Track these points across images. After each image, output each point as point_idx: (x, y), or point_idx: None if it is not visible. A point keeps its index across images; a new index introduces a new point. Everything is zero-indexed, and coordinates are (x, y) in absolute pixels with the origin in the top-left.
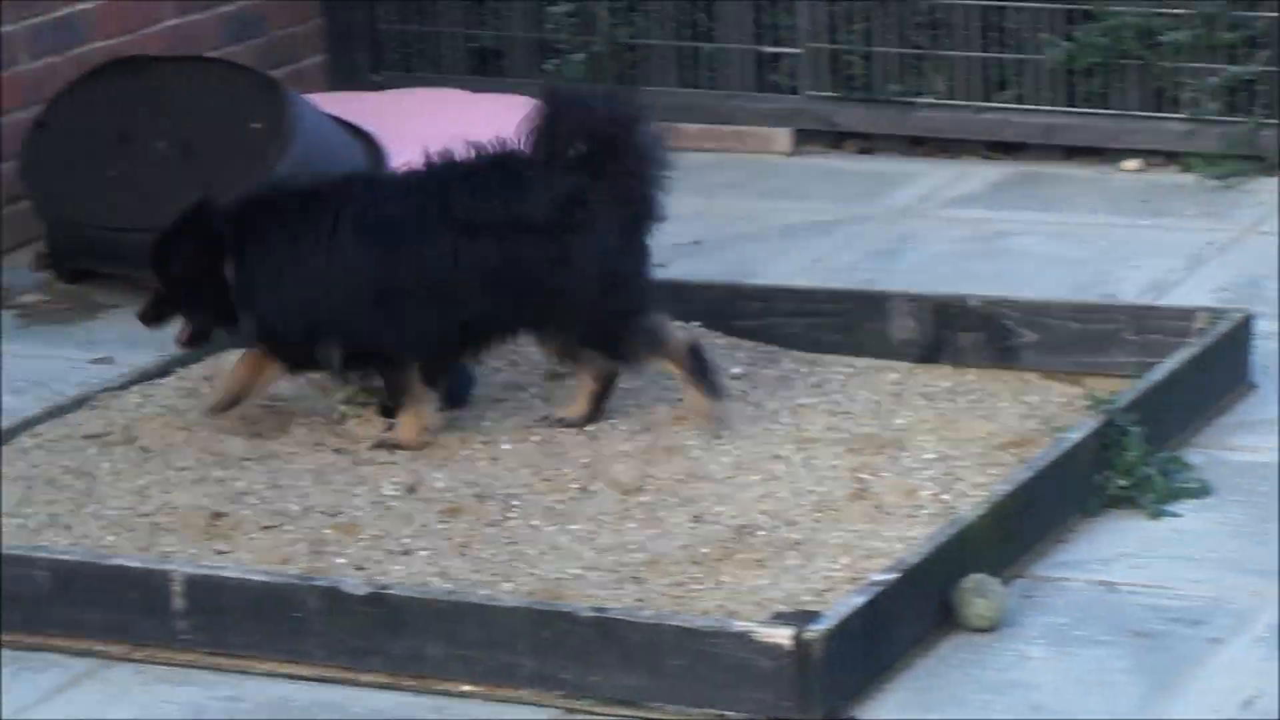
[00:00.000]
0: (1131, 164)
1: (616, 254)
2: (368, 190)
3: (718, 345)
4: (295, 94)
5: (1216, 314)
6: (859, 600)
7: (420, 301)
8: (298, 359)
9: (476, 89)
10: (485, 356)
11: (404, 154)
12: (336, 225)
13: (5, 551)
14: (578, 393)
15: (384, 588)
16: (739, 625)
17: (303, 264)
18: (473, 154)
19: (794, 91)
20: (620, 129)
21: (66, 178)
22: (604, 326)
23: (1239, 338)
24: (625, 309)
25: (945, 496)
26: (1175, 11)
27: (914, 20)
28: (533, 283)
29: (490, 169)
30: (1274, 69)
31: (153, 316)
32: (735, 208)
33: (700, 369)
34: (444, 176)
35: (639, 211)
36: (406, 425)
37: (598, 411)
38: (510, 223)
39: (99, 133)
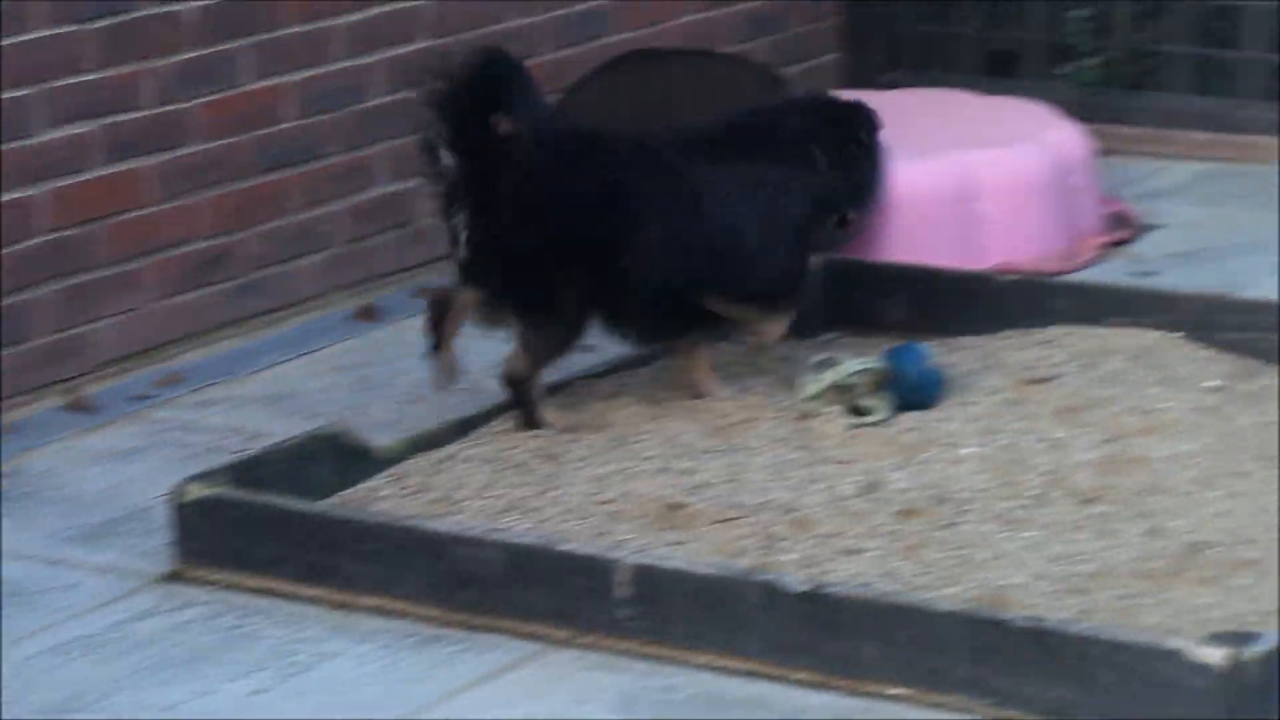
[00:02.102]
0: None
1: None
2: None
3: (1198, 358)
4: (800, 90)
5: None
6: None
7: None
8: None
9: (989, 91)
10: None
11: (904, 153)
12: None
13: (462, 533)
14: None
15: (820, 586)
16: (1171, 643)
17: None
18: None
19: None
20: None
21: None
22: None
23: None
24: None
25: None
26: None
27: None
28: None
29: None
30: None
31: None
32: (1238, 218)
33: None
34: None
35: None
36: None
37: None
38: None
39: (607, 122)
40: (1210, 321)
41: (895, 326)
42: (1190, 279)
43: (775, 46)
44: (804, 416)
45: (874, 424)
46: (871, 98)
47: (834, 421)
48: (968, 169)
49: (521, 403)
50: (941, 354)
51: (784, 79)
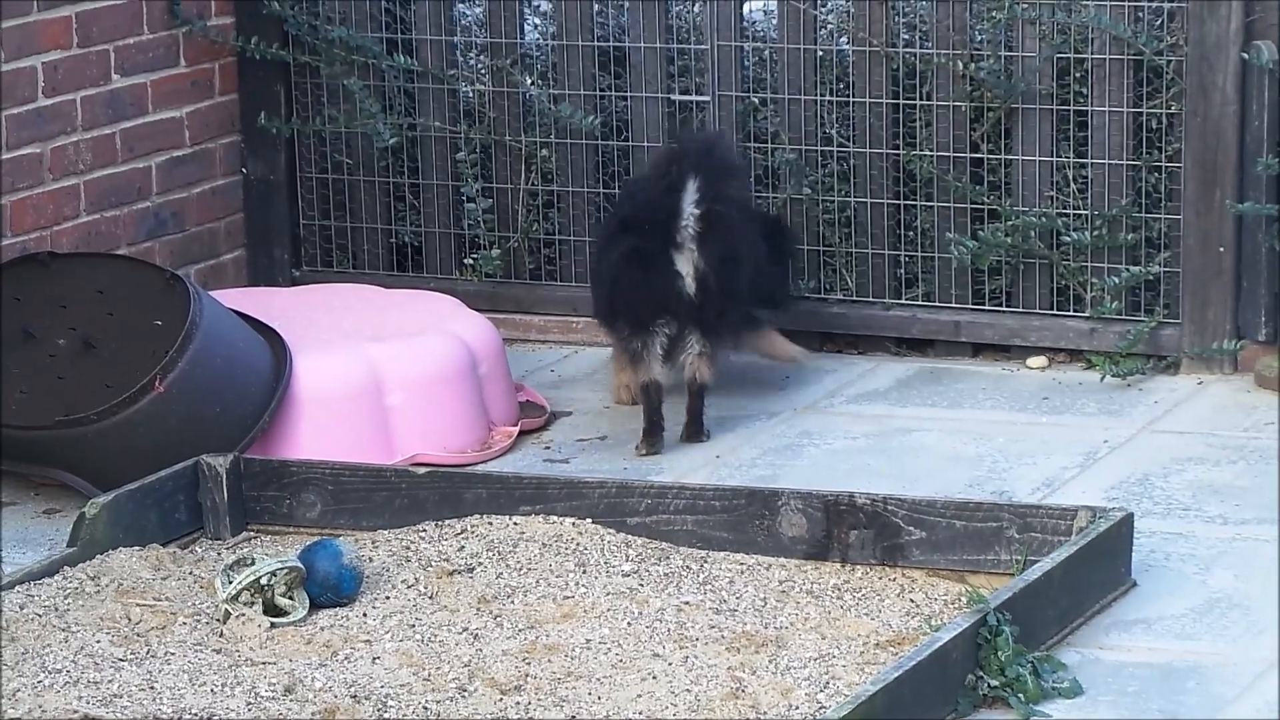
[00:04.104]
0: (1037, 361)
1: None
2: None
3: (609, 543)
4: (199, 290)
5: (1098, 513)
6: None
7: None
8: None
9: (395, 285)
10: None
11: (312, 349)
12: None
13: None
14: None
15: None
16: None
17: None
18: None
19: None
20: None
21: None
22: None
23: (1119, 537)
24: None
25: (820, 696)
26: (1078, 212)
27: (825, 218)
28: None
29: None
30: (1174, 269)
31: None
32: None
33: None
34: None
35: None
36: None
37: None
38: None
39: (2, 330)
40: (620, 506)
41: (310, 524)
42: (600, 465)
43: (179, 245)
44: (221, 619)
45: (292, 623)
46: (276, 295)
47: (252, 622)
48: (376, 362)
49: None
50: (358, 549)
51: (180, 279)
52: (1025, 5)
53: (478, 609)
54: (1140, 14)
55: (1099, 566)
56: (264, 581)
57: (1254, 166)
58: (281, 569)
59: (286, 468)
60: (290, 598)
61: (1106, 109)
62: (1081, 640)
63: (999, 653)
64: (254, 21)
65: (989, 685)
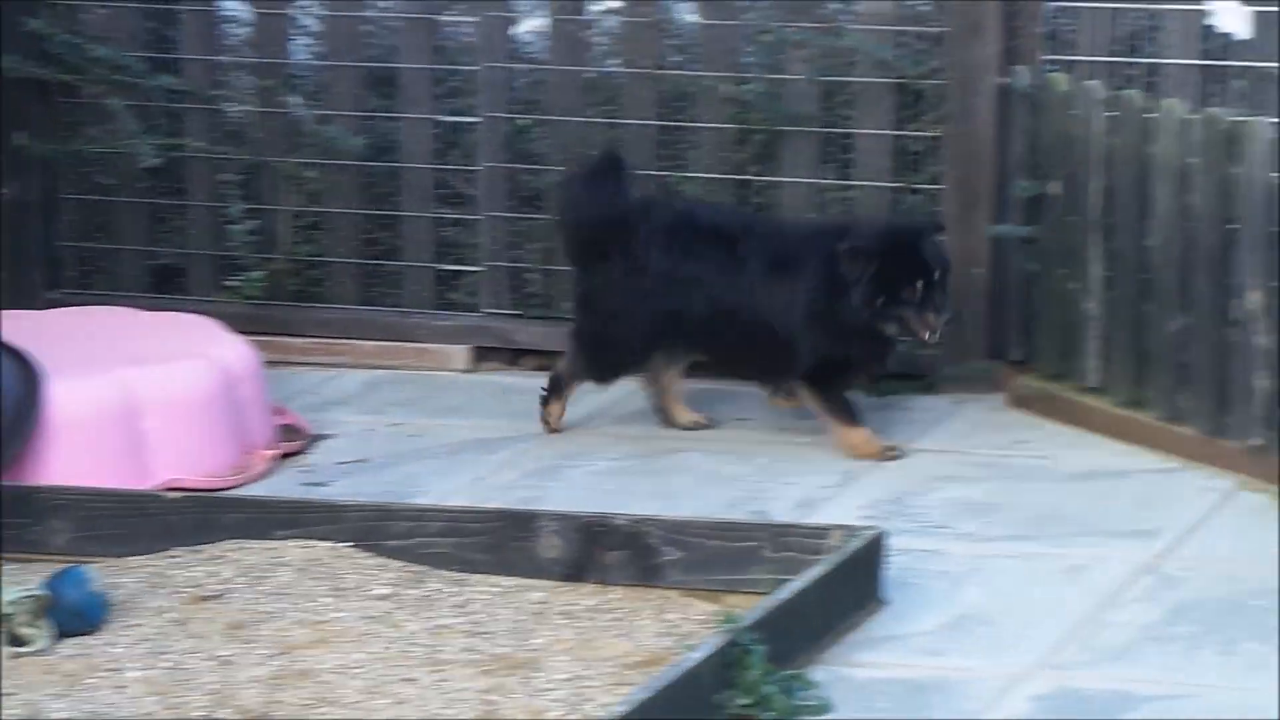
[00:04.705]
0: None
1: None
2: None
3: (366, 566)
4: None
5: (850, 531)
6: None
7: None
8: None
9: (155, 308)
10: None
11: (64, 373)
12: None
13: None
14: None
15: None
16: None
17: None
18: None
19: (473, 309)
20: None
21: None
22: None
23: (871, 555)
24: None
25: (572, 717)
26: None
27: None
28: None
29: None
30: None
31: None
32: (407, 425)
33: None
34: None
35: None
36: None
37: None
38: None
39: None
40: (378, 530)
41: (60, 551)
42: (360, 488)
43: None
44: None
45: (35, 653)
46: (27, 318)
47: (35, 626)
48: (130, 386)
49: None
50: (107, 576)
51: None
52: (792, 28)
53: (228, 635)
54: (904, 38)
55: (851, 585)
56: (5, 610)
57: (1012, 190)
58: (24, 597)
59: (34, 493)
60: (34, 627)
61: (870, 132)
62: (832, 658)
63: (749, 671)
64: (13, 39)
65: (739, 704)
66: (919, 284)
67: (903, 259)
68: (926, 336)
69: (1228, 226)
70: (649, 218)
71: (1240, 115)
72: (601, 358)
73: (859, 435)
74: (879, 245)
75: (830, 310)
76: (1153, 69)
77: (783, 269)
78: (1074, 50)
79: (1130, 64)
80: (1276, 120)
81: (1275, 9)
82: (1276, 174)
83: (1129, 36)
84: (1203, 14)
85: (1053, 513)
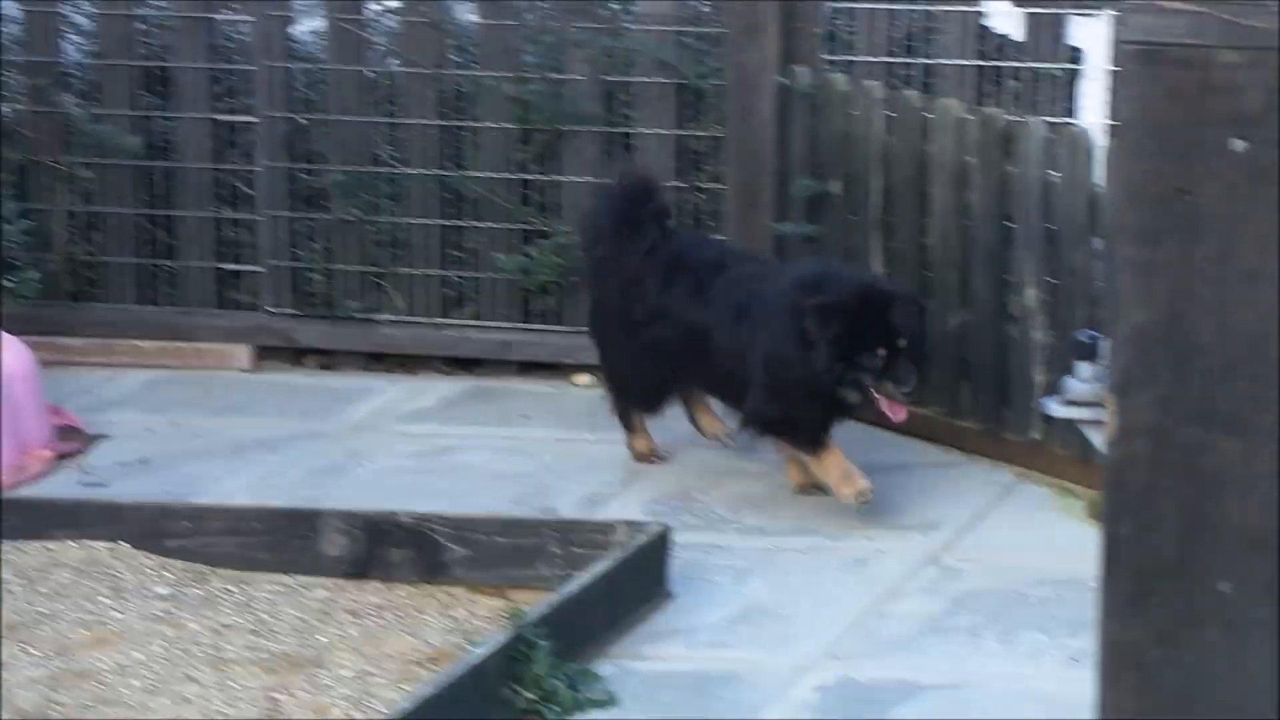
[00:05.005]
0: (582, 379)
1: None
2: None
3: (146, 566)
4: None
5: (635, 526)
6: None
7: None
8: None
9: None
10: None
11: None
12: None
13: None
14: None
15: None
16: None
17: None
18: None
19: (254, 308)
20: None
21: None
22: None
23: (657, 549)
24: None
25: (356, 715)
26: None
27: (374, 238)
28: None
29: None
30: None
31: None
32: (188, 425)
33: None
34: None
35: None
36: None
37: None
38: None
39: None
40: (158, 529)
41: None
42: (140, 488)
43: None
44: None
45: None
46: None
47: None
48: None
49: None
50: None
51: None
52: (572, 29)
53: (4, 638)
54: (684, 39)
55: (637, 579)
56: None
57: (793, 189)
58: None
59: None
60: None
61: (652, 131)
62: (619, 652)
63: (535, 666)
64: None
65: (526, 698)
66: (882, 351)
67: (870, 322)
68: (887, 410)
69: (1005, 224)
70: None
71: (1016, 115)
72: (626, 396)
73: (833, 467)
74: (847, 305)
75: (788, 365)
76: (930, 69)
77: (749, 316)
78: (853, 50)
79: (908, 64)
80: (1050, 120)
81: (1047, 11)
82: (1051, 173)
83: (907, 37)
84: (979, 15)
85: (836, 507)
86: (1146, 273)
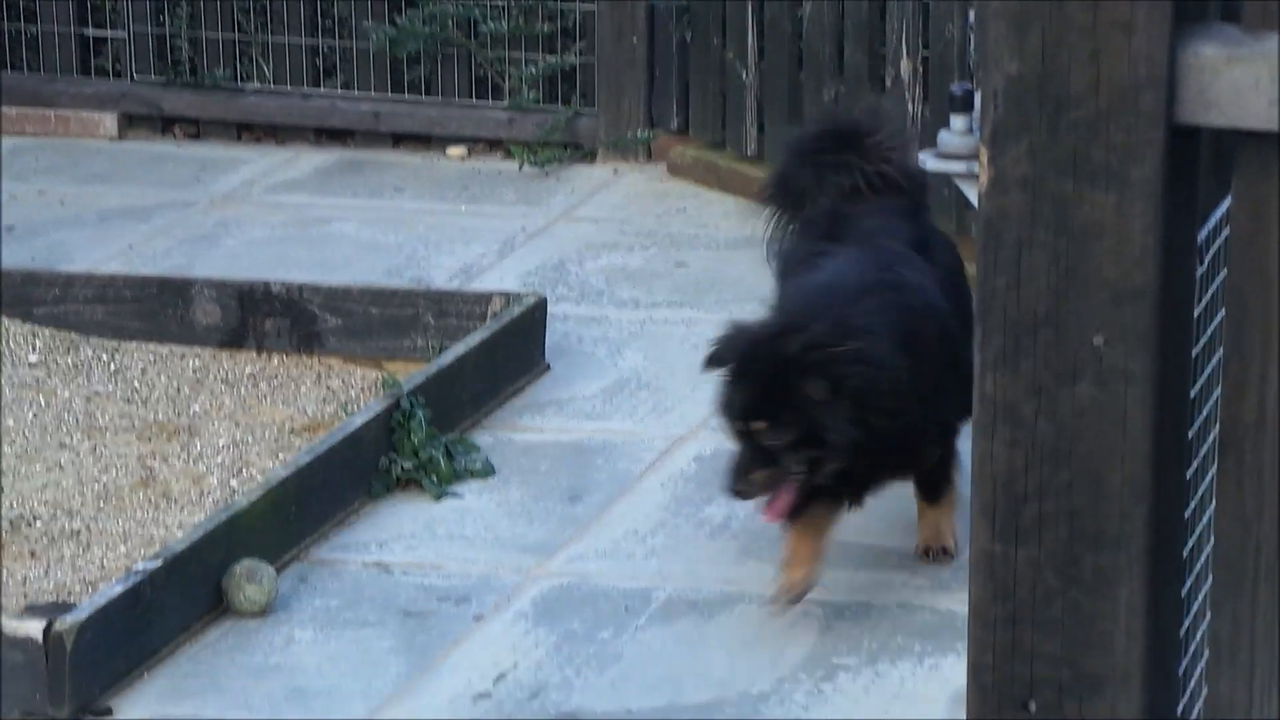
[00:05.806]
0: (456, 150)
1: None
2: None
3: (15, 334)
4: None
5: (512, 298)
6: (118, 589)
7: None
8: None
9: None
10: None
11: None
12: None
13: None
14: None
15: None
16: None
17: None
18: None
19: (119, 75)
20: None
21: None
22: None
23: (533, 321)
24: None
25: (233, 483)
26: (495, 3)
27: (241, 5)
28: None
29: None
30: (589, 59)
31: None
32: (53, 193)
33: None
34: None
35: None
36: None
37: None
38: None
39: None
40: (25, 297)
41: None
42: (7, 256)
43: None
44: None
45: None
46: None
47: None
48: None
49: None
50: None
51: None
52: None
53: None
54: None
55: (513, 350)
56: None
57: None
58: None
59: None
60: None
61: None
62: (496, 423)
63: (412, 436)
64: None
65: (403, 468)
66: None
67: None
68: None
69: None
70: None
71: None
72: None
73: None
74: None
75: None
76: None
77: None
78: None
79: None
80: None
81: None
82: None
83: None
84: None
85: (711, 279)
86: (1019, 22)
